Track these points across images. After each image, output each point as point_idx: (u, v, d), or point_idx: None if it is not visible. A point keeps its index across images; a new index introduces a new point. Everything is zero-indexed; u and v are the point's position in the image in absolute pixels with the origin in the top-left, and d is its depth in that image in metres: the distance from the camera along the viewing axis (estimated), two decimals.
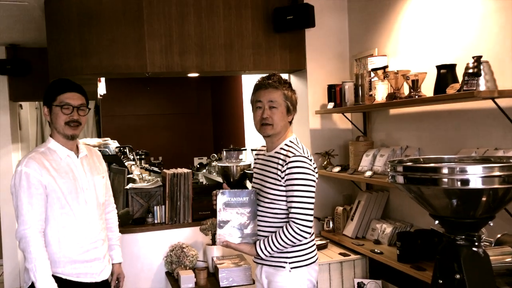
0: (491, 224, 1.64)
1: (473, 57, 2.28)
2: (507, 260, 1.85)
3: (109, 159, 4.18)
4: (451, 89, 2.43)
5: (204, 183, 5.91)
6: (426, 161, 1.88)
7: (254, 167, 2.49)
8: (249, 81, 5.41)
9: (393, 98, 2.87)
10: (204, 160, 6.79)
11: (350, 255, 3.24)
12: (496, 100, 2.30)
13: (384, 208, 3.42)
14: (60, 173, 2.23)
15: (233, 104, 6.70)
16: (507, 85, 2.33)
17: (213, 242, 3.28)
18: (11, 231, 5.28)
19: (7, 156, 5.39)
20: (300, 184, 2.17)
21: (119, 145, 4.95)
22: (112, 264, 2.50)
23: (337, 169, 3.48)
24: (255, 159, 2.54)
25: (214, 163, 5.93)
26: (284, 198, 2.23)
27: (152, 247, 3.36)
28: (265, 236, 2.26)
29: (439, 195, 1.59)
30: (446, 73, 2.53)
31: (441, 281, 1.66)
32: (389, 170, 1.74)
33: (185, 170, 3.49)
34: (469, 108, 2.63)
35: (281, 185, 2.23)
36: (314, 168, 2.26)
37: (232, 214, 2.26)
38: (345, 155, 3.75)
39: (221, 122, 7.85)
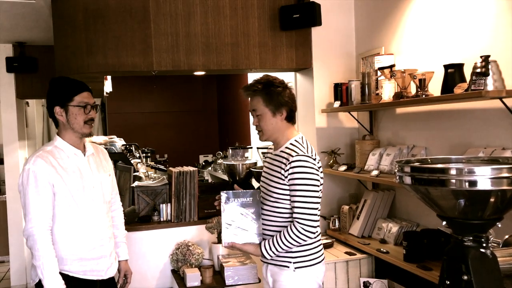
0: (499, 225, 1.63)
1: (481, 57, 2.27)
2: None
3: (115, 157, 4.19)
4: (459, 89, 2.42)
5: (209, 180, 5.92)
6: (433, 162, 1.88)
7: (263, 166, 2.50)
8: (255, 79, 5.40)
9: (400, 97, 2.86)
10: (210, 157, 6.80)
11: (356, 254, 3.24)
12: (504, 99, 2.28)
13: (390, 207, 3.41)
14: (67, 171, 2.24)
15: (238, 102, 6.70)
16: None
17: (219, 241, 3.29)
18: (17, 228, 5.31)
19: (14, 153, 5.42)
20: (302, 183, 2.16)
21: (125, 143, 4.97)
22: (119, 261, 2.52)
23: (343, 168, 3.48)
24: (264, 158, 2.54)
25: (219, 161, 5.94)
26: (288, 198, 2.23)
27: (158, 245, 3.37)
28: (270, 236, 2.26)
29: (447, 196, 1.58)
30: (453, 72, 2.52)
31: (448, 282, 1.66)
32: (396, 170, 1.74)
33: (191, 168, 3.49)
34: (477, 107, 2.62)
35: (285, 184, 2.22)
36: (319, 168, 2.24)
37: (236, 215, 2.28)
38: (351, 154, 3.75)
39: (226, 120, 7.86)
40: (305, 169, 2.17)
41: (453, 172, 1.54)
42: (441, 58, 2.79)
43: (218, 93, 8.27)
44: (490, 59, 2.25)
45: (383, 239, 3.20)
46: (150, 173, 4.18)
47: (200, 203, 3.47)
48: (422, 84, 2.68)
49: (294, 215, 2.18)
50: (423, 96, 2.66)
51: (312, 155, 2.22)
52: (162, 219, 3.43)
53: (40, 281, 2.15)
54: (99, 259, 2.32)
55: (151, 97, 7.89)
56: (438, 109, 2.90)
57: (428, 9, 2.97)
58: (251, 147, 4.51)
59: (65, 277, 2.20)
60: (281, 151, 2.29)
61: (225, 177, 4.68)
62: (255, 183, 4.12)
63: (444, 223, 1.67)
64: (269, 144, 2.51)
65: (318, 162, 2.25)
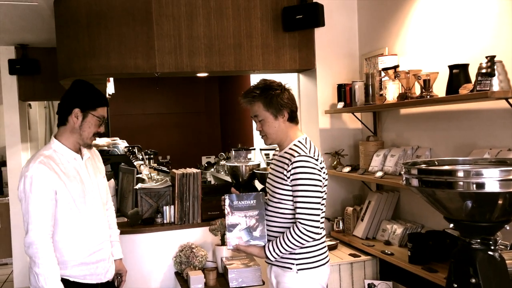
0: (507, 228, 1.62)
1: (486, 57, 2.25)
2: None
3: (118, 159, 4.19)
4: (464, 89, 2.40)
5: (212, 182, 5.90)
6: (440, 164, 1.86)
7: (269, 168, 2.50)
8: (257, 80, 5.39)
9: (405, 98, 2.84)
10: (212, 159, 6.78)
11: (360, 256, 3.22)
12: (510, 100, 2.27)
13: (395, 208, 3.40)
14: (69, 177, 2.23)
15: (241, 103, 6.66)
16: None
17: (222, 243, 3.28)
18: (20, 230, 5.23)
19: (17, 155, 5.42)
20: (304, 184, 2.16)
21: (128, 145, 4.96)
22: (114, 260, 2.52)
23: (347, 169, 3.46)
24: (271, 159, 2.55)
25: (222, 162, 5.92)
26: (291, 198, 2.23)
27: (161, 247, 3.36)
28: (274, 237, 2.26)
29: (454, 198, 1.57)
30: (458, 73, 2.50)
31: (456, 285, 1.64)
32: (403, 172, 1.72)
33: (194, 170, 3.48)
34: (482, 108, 2.60)
35: (287, 185, 2.23)
36: (322, 168, 2.24)
37: (240, 217, 2.29)
38: (355, 155, 3.73)
39: (229, 121, 7.84)
40: (307, 169, 2.17)
41: (460, 174, 1.53)
42: (445, 58, 2.78)
43: (221, 94, 8.26)
44: (495, 59, 2.23)
45: (387, 241, 3.18)
46: (153, 175, 4.17)
47: (203, 205, 3.45)
48: (426, 85, 2.66)
49: (297, 216, 2.18)
50: (428, 97, 2.65)
51: (314, 156, 2.22)
52: (165, 221, 3.42)
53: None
54: (98, 262, 2.32)
55: (153, 98, 7.88)
56: (442, 110, 2.88)
57: (432, 9, 2.95)
58: (254, 149, 4.50)
59: (65, 282, 2.19)
60: (285, 152, 2.29)
61: (228, 179, 4.67)
62: (258, 185, 4.11)
63: (451, 225, 1.66)
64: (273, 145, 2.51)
65: (321, 163, 2.25)
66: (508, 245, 1.96)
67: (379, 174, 3.09)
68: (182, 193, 3.41)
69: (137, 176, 3.76)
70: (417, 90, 2.89)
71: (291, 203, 2.23)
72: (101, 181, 2.43)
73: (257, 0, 3.56)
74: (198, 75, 3.89)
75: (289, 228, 2.20)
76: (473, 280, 1.58)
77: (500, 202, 1.52)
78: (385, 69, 3.08)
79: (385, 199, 3.36)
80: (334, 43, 3.74)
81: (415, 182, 1.64)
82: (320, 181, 2.20)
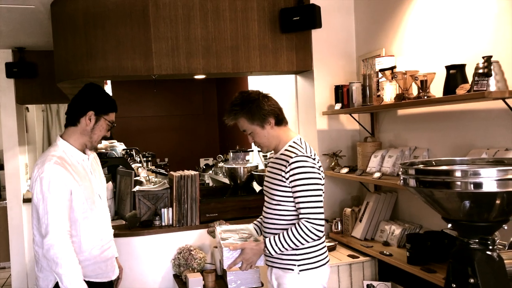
0: (505, 227, 1.62)
1: (483, 57, 2.26)
2: None
3: (116, 161, 4.19)
4: (461, 90, 2.40)
5: (210, 184, 5.90)
6: (438, 164, 1.86)
7: (266, 170, 2.51)
8: (255, 81, 5.40)
9: (402, 99, 2.85)
10: (210, 161, 6.78)
11: (359, 257, 3.22)
12: (507, 100, 2.27)
13: (393, 209, 3.40)
14: (80, 177, 2.26)
15: None
16: None
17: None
18: (18, 234, 5.29)
19: (14, 159, 5.40)
20: (305, 183, 2.17)
21: (125, 147, 4.95)
22: None
23: (345, 170, 3.46)
24: (267, 162, 2.56)
25: (220, 164, 5.92)
26: (290, 200, 2.23)
27: (160, 249, 3.35)
28: None
29: (452, 198, 1.57)
30: (455, 73, 2.51)
31: (454, 285, 1.64)
32: (400, 173, 1.72)
33: (192, 172, 3.48)
34: (479, 108, 2.60)
35: (286, 186, 2.23)
36: (319, 167, 2.25)
37: (232, 237, 2.35)
38: (353, 156, 3.73)
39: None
40: (306, 169, 2.17)
41: (458, 174, 1.53)
42: (442, 59, 2.78)
43: (218, 96, 8.25)
44: (492, 59, 2.24)
45: (386, 242, 3.18)
46: (151, 177, 4.17)
47: (201, 207, 3.45)
48: (423, 86, 2.67)
49: (301, 215, 2.17)
50: (425, 97, 2.65)
51: (311, 155, 2.22)
52: (163, 224, 3.42)
53: (57, 284, 2.15)
54: (108, 260, 2.38)
55: (151, 101, 7.87)
56: (440, 110, 2.89)
57: (429, 10, 2.96)
58: (252, 150, 4.50)
59: None
60: (281, 154, 2.30)
61: (226, 181, 4.66)
62: (256, 187, 4.11)
63: (449, 225, 1.66)
64: None
65: (318, 162, 2.25)
66: (506, 244, 1.96)
67: (377, 175, 3.09)
68: (180, 196, 3.41)
69: (135, 178, 3.76)
70: (414, 91, 2.89)
71: (290, 204, 2.23)
72: (103, 181, 2.50)
73: (254, 1, 3.56)
74: (196, 77, 3.89)
75: (286, 229, 2.20)
76: (472, 280, 1.58)
77: (497, 202, 1.53)
78: (382, 70, 3.08)
79: (383, 200, 3.36)
80: (331, 44, 3.75)
81: (412, 182, 1.64)
82: (320, 179, 2.21)
